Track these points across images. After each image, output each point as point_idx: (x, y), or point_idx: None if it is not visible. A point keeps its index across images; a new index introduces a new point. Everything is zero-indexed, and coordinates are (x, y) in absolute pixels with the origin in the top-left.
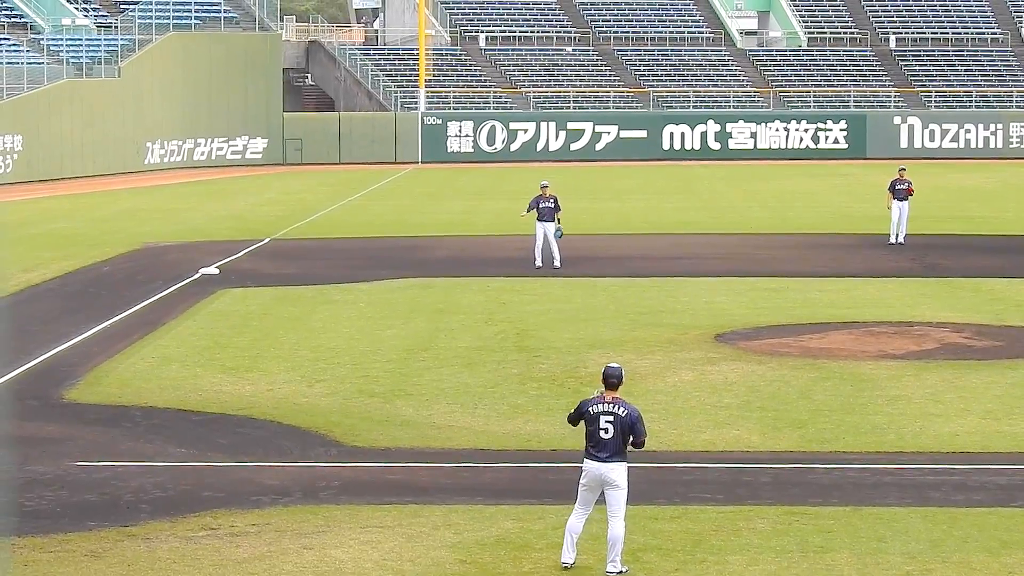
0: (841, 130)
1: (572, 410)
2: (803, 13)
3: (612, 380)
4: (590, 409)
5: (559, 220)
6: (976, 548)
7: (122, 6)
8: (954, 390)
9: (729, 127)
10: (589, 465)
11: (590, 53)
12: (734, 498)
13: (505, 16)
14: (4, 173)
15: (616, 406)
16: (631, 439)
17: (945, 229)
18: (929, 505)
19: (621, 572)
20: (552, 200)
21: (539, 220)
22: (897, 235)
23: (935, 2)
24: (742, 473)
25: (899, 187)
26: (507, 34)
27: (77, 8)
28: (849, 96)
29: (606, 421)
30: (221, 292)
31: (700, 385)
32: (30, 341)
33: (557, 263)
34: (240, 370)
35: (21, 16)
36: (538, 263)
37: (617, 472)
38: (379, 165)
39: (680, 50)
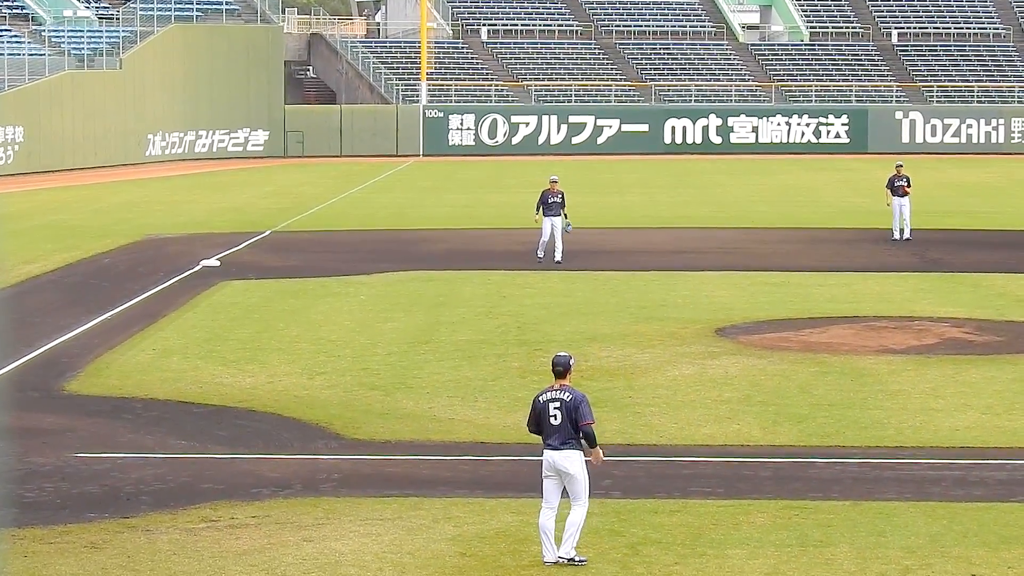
0: (843, 125)
1: (528, 414)
2: (805, 7)
3: (558, 368)
4: (540, 399)
5: (566, 215)
6: (976, 543)
7: None
8: (954, 385)
9: (731, 121)
10: (545, 455)
11: (592, 46)
12: (734, 492)
13: (507, 9)
14: (5, 164)
15: (562, 392)
16: (579, 424)
17: (946, 224)
18: (929, 500)
19: (574, 560)
20: (560, 195)
21: (546, 215)
22: (901, 231)
23: None
24: (742, 467)
25: (897, 183)
26: (509, 27)
27: (79, 0)
28: (851, 91)
29: (554, 408)
30: (222, 284)
31: (700, 379)
32: (31, 333)
33: (558, 257)
34: (241, 362)
35: (23, 7)
36: (540, 255)
37: (570, 460)
38: (380, 158)
39: (682, 44)
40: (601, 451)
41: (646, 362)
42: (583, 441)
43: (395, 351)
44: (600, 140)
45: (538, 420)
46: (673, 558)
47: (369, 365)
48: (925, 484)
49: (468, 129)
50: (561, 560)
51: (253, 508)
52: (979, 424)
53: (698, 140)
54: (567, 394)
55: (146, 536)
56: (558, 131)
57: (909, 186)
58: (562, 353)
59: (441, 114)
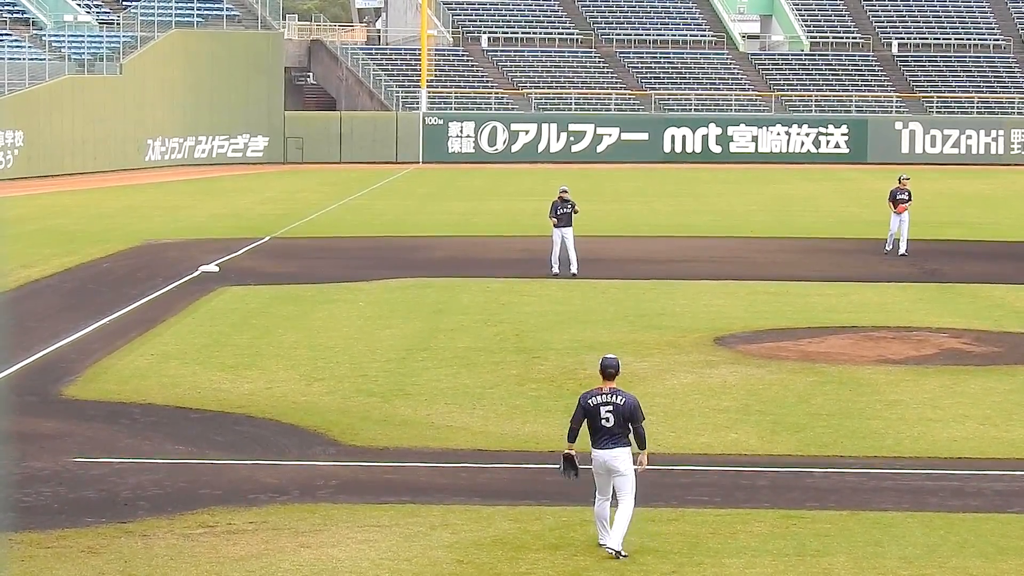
0: (842, 135)
1: (574, 412)
2: (805, 17)
3: (610, 371)
4: (590, 402)
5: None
6: (973, 554)
7: (124, 3)
8: (952, 396)
9: (730, 130)
10: (595, 454)
11: (592, 55)
12: (732, 501)
13: (507, 17)
14: (5, 169)
15: (614, 395)
16: (632, 425)
17: (945, 235)
18: (926, 510)
19: (618, 553)
20: (570, 205)
21: (557, 226)
22: (897, 245)
23: (937, 7)
24: (740, 476)
25: (899, 197)
26: (509, 35)
27: (79, 4)
28: (851, 101)
29: (606, 411)
30: (221, 290)
31: (699, 388)
32: (29, 337)
33: (574, 270)
34: (239, 368)
35: (24, 12)
36: (555, 269)
37: (621, 459)
38: (380, 165)
39: (682, 53)
40: (647, 457)
41: (644, 371)
42: (634, 441)
43: (393, 358)
44: (600, 148)
45: (584, 420)
46: (670, 567)
47: (367, 372)
48: (923, 494)
49: (468, 136)
50: (609, 551)
51: (250, 514)
52: (977, 435)
53: (698, 149)
54: (620, 398)
55: (143, 541)
56: (558, 139)
57: (910, 200)
58: (610, 356)
59: (441, 121)
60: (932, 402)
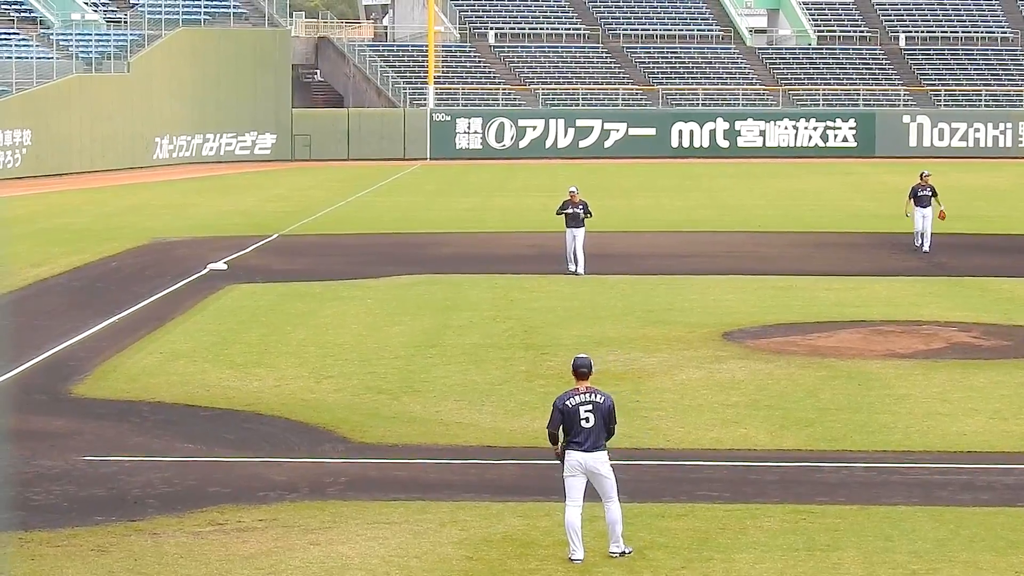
0: (850, 128)
1: (550, 417)
2: (813, 11)
3: (583, 370)
4: (568, 404)
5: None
6: (983, 548)
7: (132, 1)
8: (962, 389)
9: (738, 125)
10: (574, 456)
11: (599, 50)
12: (741, 496)
13: (514, 13)
14: (13, 167)
15: (593, 395)
16: (607, 425)
17: (954, 228)
18: (936, 504)
19: (624, 552)
20: (581, 205)
21: (568, 226)
22: (922, 242)
23: (945, 1)
24: (749, 471)
25: (921, 193)
26: (516, 31)
27: (87, 3)
28: (858, 94)
29: (586, 411)
30: (229, 288)
31: (708, 383)
32: (38, 336)
33: (581, 269)
34: (248, 366)
35: (31, 11)
36: (572, 268)
37: (602, 462)
38: (388, 161)
39: (689, 48)
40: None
41: (653, 366)
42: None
43: (402, 355)
44: (607, 144)
45: (563, 423)
46: (679, 562)
47: (376, 369)
48: (932, 488)
49: (475, 132)
50: (614, 555)
51: (260, 512)
52: (986, 428)
53: (705, 144)
54: (599, 396)
55: (153, 540)
56: (565, 135)
57: (935, 196)
58: (583, 355)
59: (448, 117)
60: (941, 396)
